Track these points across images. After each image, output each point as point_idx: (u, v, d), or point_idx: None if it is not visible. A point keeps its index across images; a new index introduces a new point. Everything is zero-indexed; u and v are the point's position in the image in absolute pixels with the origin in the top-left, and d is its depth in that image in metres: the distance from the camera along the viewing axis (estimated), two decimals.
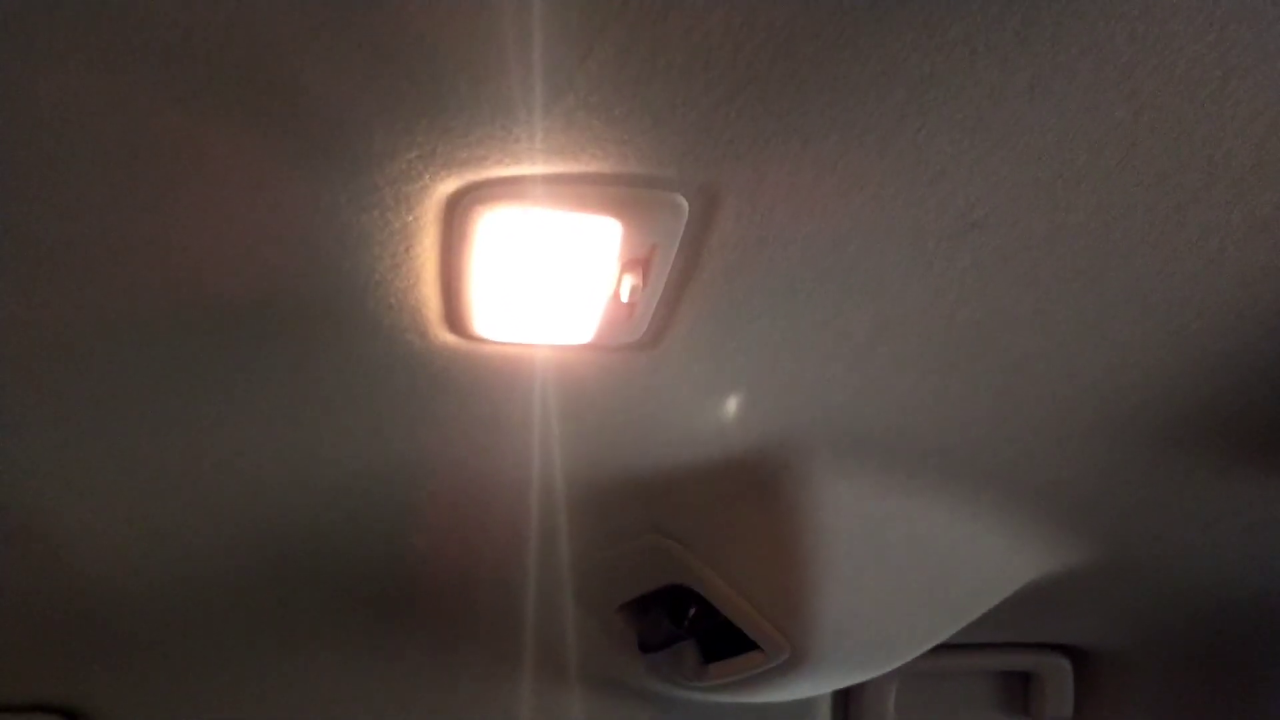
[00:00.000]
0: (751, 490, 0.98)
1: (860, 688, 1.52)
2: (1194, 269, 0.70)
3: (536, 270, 0.65)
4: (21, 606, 1.14)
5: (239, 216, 0.61)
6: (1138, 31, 0.50)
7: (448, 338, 0.73)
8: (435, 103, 0.52)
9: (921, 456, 0.96)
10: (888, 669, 1.21)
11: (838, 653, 1.07)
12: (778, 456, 0.95)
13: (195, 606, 1.20)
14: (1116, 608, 1.37)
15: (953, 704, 1.58)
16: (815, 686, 1.19)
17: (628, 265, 0.65)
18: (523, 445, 0.89)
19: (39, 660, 1.23)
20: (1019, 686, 1.59)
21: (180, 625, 1.23)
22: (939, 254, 0.67)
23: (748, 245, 0.65)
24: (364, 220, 0.61)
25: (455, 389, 0.80)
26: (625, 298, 0.67)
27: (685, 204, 0.61)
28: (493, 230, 0.61)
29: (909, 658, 1.20)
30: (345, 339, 0.73)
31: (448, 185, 0.58)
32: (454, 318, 0.71)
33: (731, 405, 0.86)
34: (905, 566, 1.07)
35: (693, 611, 1.15)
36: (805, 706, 1.51)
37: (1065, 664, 1.53)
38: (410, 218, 0.61)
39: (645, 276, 0.66)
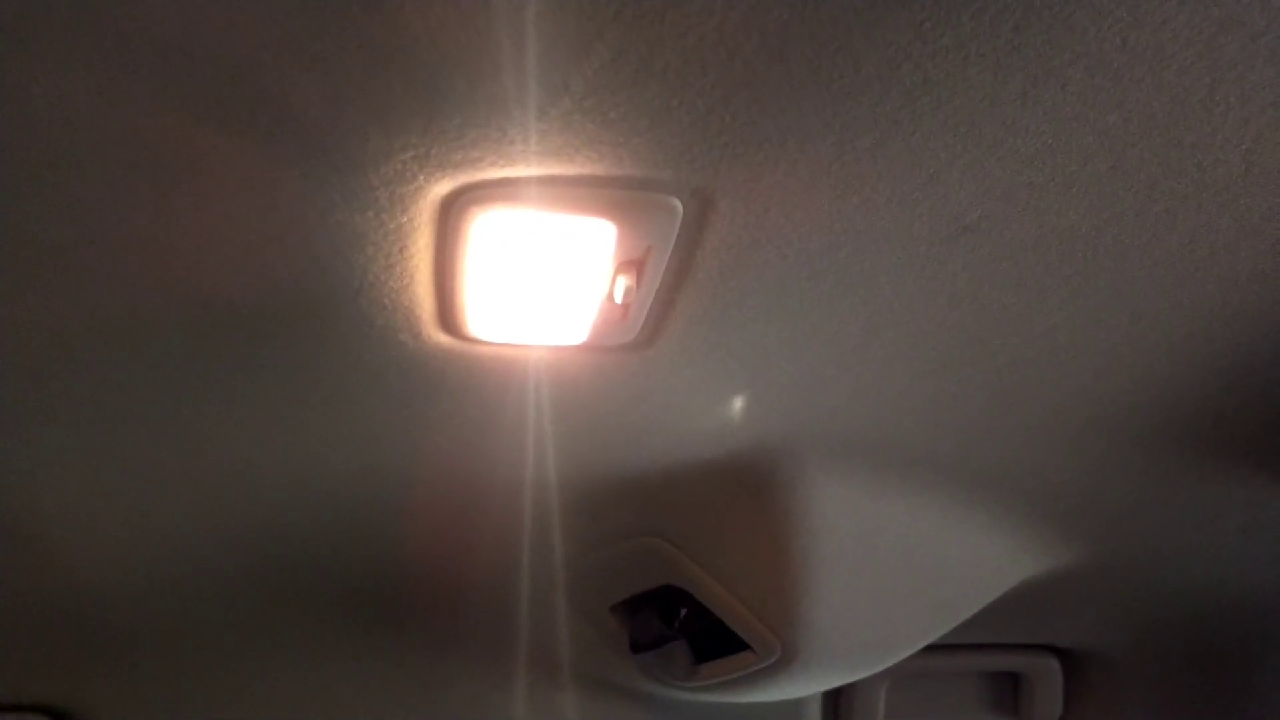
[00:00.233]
0: (743, 491, 0.99)
1: (850, 688, 1.52)
2: (1184, 273, 0.70)
3: (531, 271, 0.65)
4: (13, 606, 1.13)
5: (233, 217, 0.61)
6: (1128, 40, 0.51)
7: (442, 338, 0.73)
8: (430, 104, 0.52)
9: (913, 458, 0.97)
10: (878, 669, 1.22)
11: (828, 653, 1.08)
12: (770, 458, 0.95)
13: (188, 607, 1.19)
14: (1106, 609, 1.38)
15: (943, 704, 1.58)
16: (806, 687, 1.19)
17: (622, 267, 0.66)
18: (516, 446, 0.89)
19: (31, 660, 1.23)
20: (1009, 687, 1.59)
21: (173, 626, 1.23)
22: (931, 257, 0.67)
23: (742, 247, 0.65)
24: (358, 221, 0.61)
25: (449, 390, 0.80)
26: (619, 299, 0.67)
27: (680, 206, 0.61)
28: (487, 231, 0.61)
29: (899, 658, 1.20)
30: (339, 339, 0.73)
31: (442, 186, 0.58)
32: (448, 318, 0.71)
33: (725, 406, 0.86)
34: (896, 567, 1.07)
35: (684, 612, 1.15)
36: (796, 707, 1.51)
37: (1055, 665, 1.54)
38: (404, 219, 0.61)
39: (639, 278, 0.66)
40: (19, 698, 1.24)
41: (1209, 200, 0.63)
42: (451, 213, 0.60)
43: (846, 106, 0.54)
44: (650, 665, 1.22)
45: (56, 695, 1.25)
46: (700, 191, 0.60)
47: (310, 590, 1.21)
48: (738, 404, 0.86)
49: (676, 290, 0.69)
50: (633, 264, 0.65)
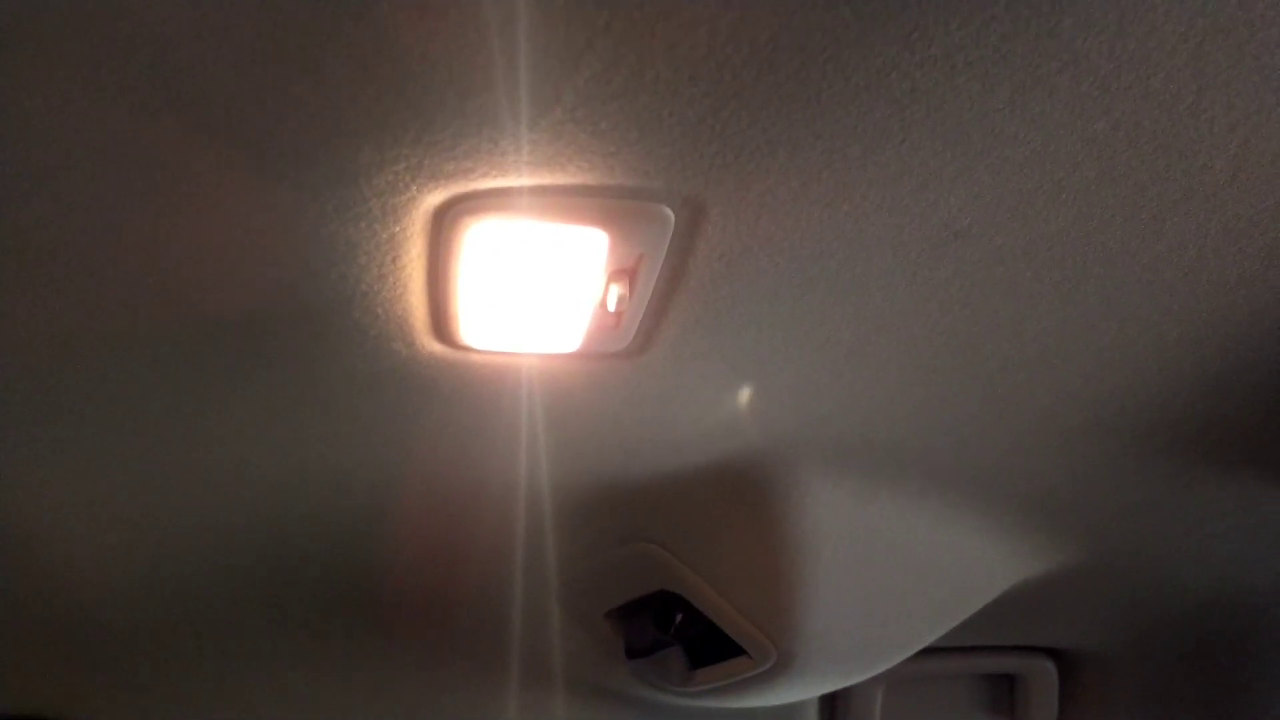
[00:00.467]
0: (737, 496, 0.99)
1: (846, 692, 1.52)
2: (1172, 278, 0.71)
3: (524, 280, 0.66)
4: (8, 612, 1.13)
5: (226, 227, 0.61)
6: (1115, 48, 0.51)
7: (435, 347, 0.73)
8: (422, 115, 0.52)
9: (906, 462, 0.97)
10: (874, 673, 1.22)
11: (824, 657, 1.08)
12: (763, 463, 0.95)
13: (183, 614, 1.19)
14: (1100, 610, 1.38)
15: (938, 707, 1.58)
16: (802, 691, 1.20)
17: (614, 275, 0.66)
18: (510, 453, 0.89)
19: (23, 667, 1.22)
20: (1004, 689, 1.60)
21: (168, 633, 1.22)
22: (922, 263, 0.68)
23: (733, 255, 0.65)
24: (351, 231, 0.61)
25: (443, 398, 0.80)
26: (612, 307, 0.67)
27: (671, 215, 0.61)
28: (480, 241, 0.62)
29: (895, 662, 1.20)
30: (332, 348, 0.73)
31: (435, 197, 0.59)
32: (441, 327, 0.71)
33: (718, 413, 0.86)
34: (890, 571, 1.07)
35: (679, 617, 1.15)
36: (792, 711, 1.51)
37: (1050, 666, 1.54)
38: (397, 229, 0.61)
39: (632, 286, 0.67)
40: (15, 706, 1.23)
41: (1197, 206, 0.64)
42: (444, 223, 0.60)
43: (836, 115, 0.54)
44: (645, 671, 1.22)
45: (52, 703, 1.24)
46: (692, 200, 0.60)
47: (305, 597, 1.21)
48: (731, 410, 0.86)
49: (669, 298, 0.69)
50: (625, 272, 0.66)
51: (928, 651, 1.26)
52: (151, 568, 1.08)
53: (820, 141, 0.56)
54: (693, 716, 1.43)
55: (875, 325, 0.74)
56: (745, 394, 0.84)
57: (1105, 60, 0.52)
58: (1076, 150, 0.58)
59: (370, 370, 0.75)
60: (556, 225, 0.61)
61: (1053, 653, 1.54)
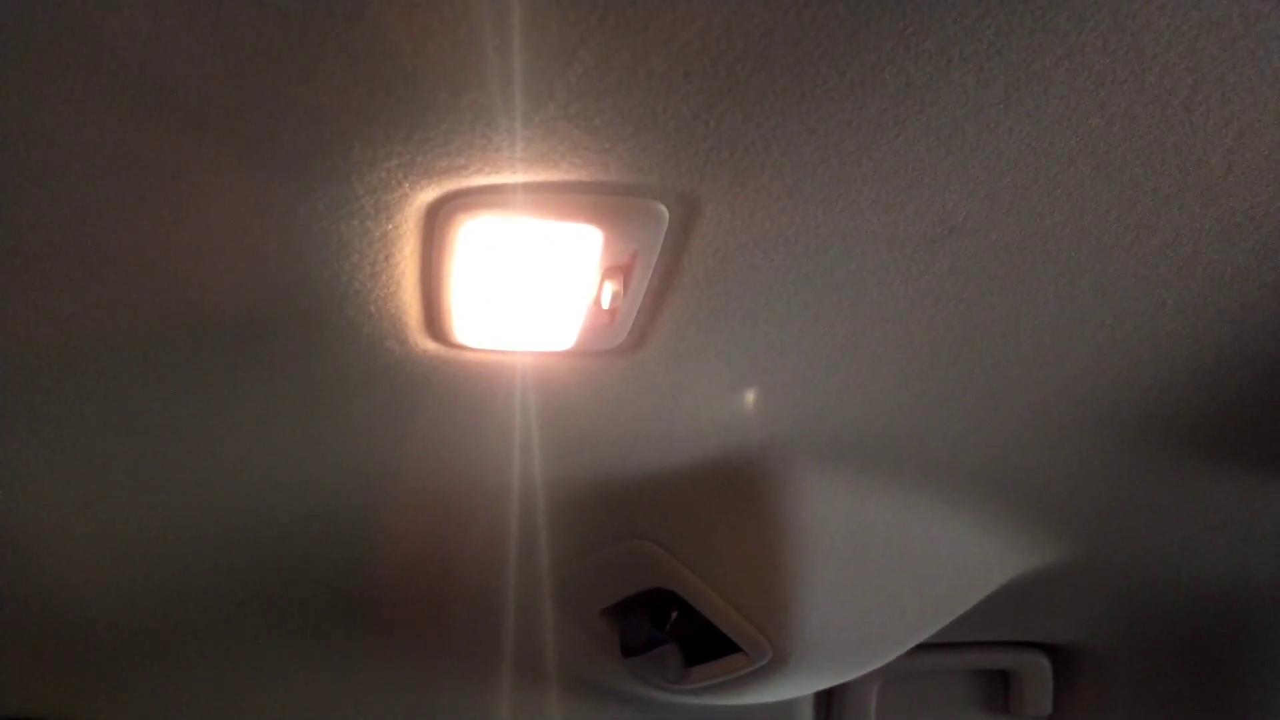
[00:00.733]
0: (732, 493, 0.99)
1: (842, 688, 1.53)
2: (1167, 272, 0.71)
3: (517, 278, 0.65)
4: (5, 613, 1.12)
5: (219, 225, 0.60)
6: (1110, 43, 0.51)
7: (428, 345, 0.73)
8: (414, 112, 0.52)
9: (901, 458, 0.97)
10: (869, 669, 1.22)
11: (819, 654, 1.08)
12: (758, 460, 0.95)
13: (179, 614, 1.19)
14: (1095, 605, 1.38)
15: (934, 703, 1.59)
16: (797, 688, 1.20)
17: (609, 272, 0.66)
18: (504, 451, 0.89)
19: (23, 668, 1.22)
20: (999, 685, 1.60)
21: (163, 634, 1.22)
22: (916, 259, 0.68)
23: (728, 251, 0.65)
24: (343, 229, 0.61)
25: (436, 396, 0.79)
26: (606, 304, 0.67)
27: (665, 211, 0.61)
28: (473, 238, 0.61)
29: (890, 658, 1.21)
30: (325, 347, 0.73)
31: (428, 194, 0.58)
32: (434, 325, 0.70)
33: (712, 409, 0.86)
34: (886, 567, 1.08)
35: (674, 615, 1.15)
36: (788, 708, 1.51)
37: (1044, 662, 1.55)
38: (390, 226, 0.61)
39: (626, 283, 0.66)
40: (13, 707, 1.23)
41: (1192, 200, 0.64)
42: (437, 220, 0.60)
43: (830, 111, 0.54)
44: (641, 669, 1.22)
45: (52, 704, 1.24)
46: (686, 196, 0.60)
47: (299, 596, 1.21)
48: (726, 407, 0.86)
49: (663, 295, 0.69)
50: (619, 269, 0.65)
51: (923, 647, 1.26)
52: (149, 568, 1.08)
53: (815, 137, 0.56)
54: (688, 714, 1.43)
55: (870, 321, 0.74)
56: (740, 390, 0.84)
57: (1100, 55, 0.52)
58: (1071, 145, 0.58)
59: (364, 368, 0.75)
60: (550, 222, 0.61)
61: (1048, 648, 1.55)
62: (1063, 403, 0.88)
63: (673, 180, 0.58)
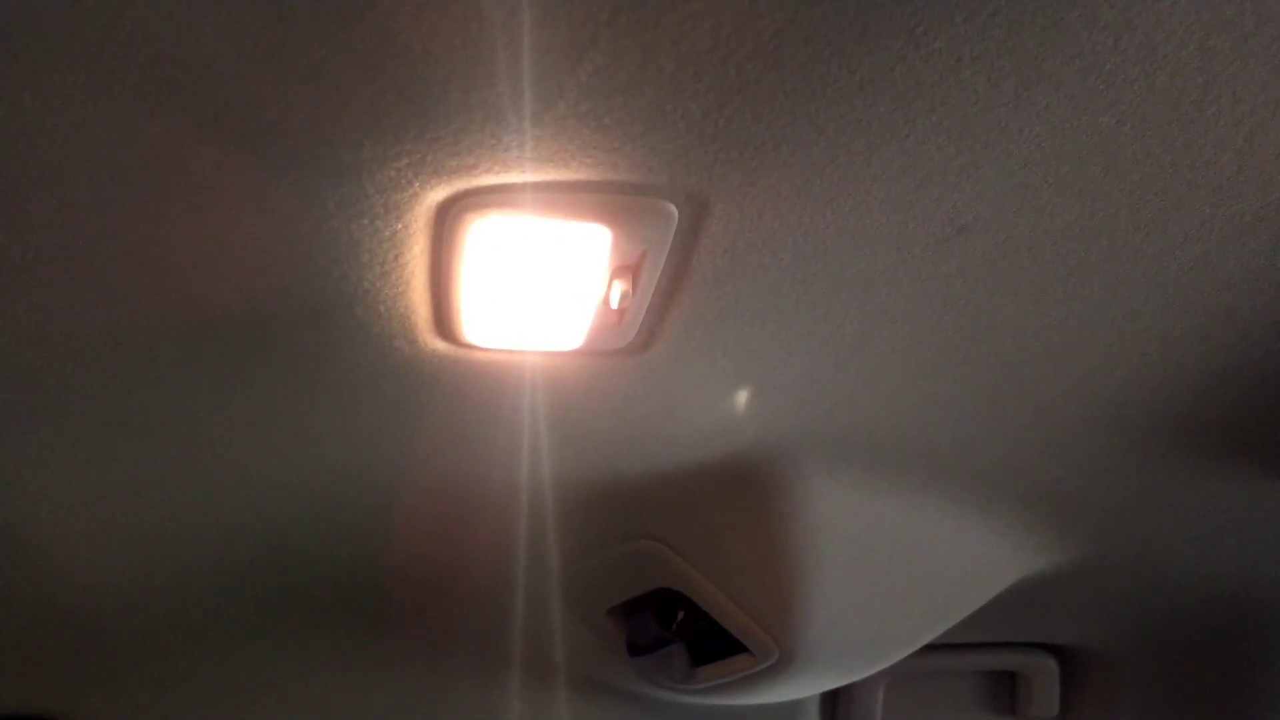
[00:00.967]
0: (739, 493, 0.99)
1: (848, 689, 1.52)
2: (1177, 273, 0.71)
3: (526, 277, 0.65)
4: (8, 613, 1.13)
5: (228, 224, 0.61)
6: (1121, 42, 0.51)
7: (437, 344, 0.73)
8: (424, 112, 0.52)
9: (909, 458, 0.97)
10: (875, 670, 1.22)
11: (826, 654, 1.08)
12: (766, 460, 0.95)
13: (184, 613, 1.19)
14: (1102, 607, 1.38)
15: (940, 704, 1.58)
16: (803, 688, 1.20)
17: (617, 271, 0.66)
18: (512, 451, 0.89)
19: (23, 667, 1.22)
20: (1006, 686, 1.60)
21: (168, 633, 1.22)
22: (926, 258, 0.68)
23: (737, 251, 0.65)
24: (353, 228, 0.61)
25: (445, 395, 0.80)
26: (615, 304, 0.67)
27: (675, 211, 0.61)
28: (482, 237, 0.61)
29: (897, 658, 1.21)
30: (334, 346, 0.73)
31: (437, 193, 0.58)
32: (443, 324, 0.71)
33: (721, 409, 0.86)
34: (893, 567, 1.07)
35: (681, 615, 1.15)
36: (794, 708, 1.51)
37: (1052, 663, 1.54)
38: (399, 225, 0.61)
39: (635, 282, 0.66)
40: (14, 706, 1.23)
41: (1203, 200, 0.64)
42: (447, 219, 0.60)
43: (840, 110, 0.54)
44: (648, 668, 1.22)
45: (52, 703, 1.24)
46: (695, 196, 0.60)
47: (307, 595, 1.21)
48: (734, 407, 0.86)
49: (672, 294, 0.69)
50: (628, 269, 0.65)
51: (930, 648, 1.26)
52: (154, 567, 1.08)
53: (824, 137, 0.56)
54: (695, 714, 1.43)
55: (879, 321, 0.74)
56: (748, 391, 0.84)
57: (1111, 54, 0.52)
58: (1082, 145, 0.58)
59: (373, 368, 0.75)
60: (559, 221, 0.61)
61: (1055, 649, 1.54)
62: (1072, 403, 0.88)
63: (682, 180, 0.58)
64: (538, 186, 0.58)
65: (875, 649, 1.16)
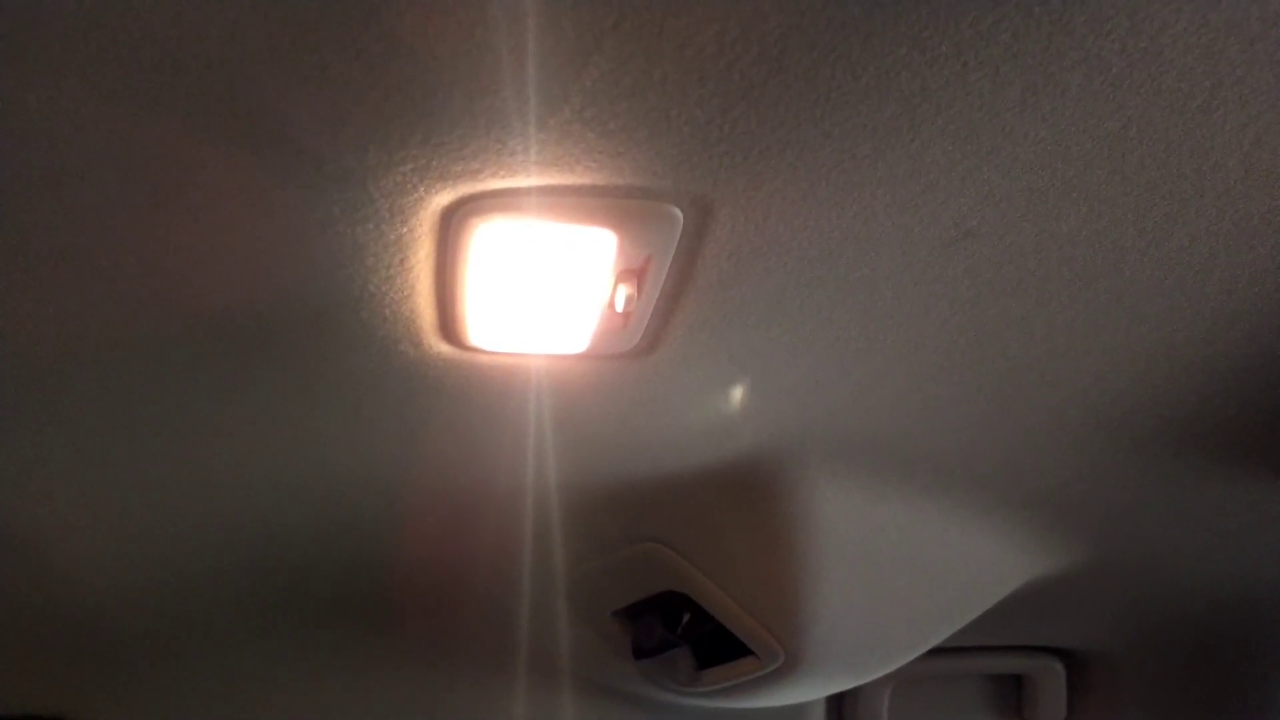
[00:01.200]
0: (745, 497, 0.99)
1: (854, 692, 1.52)
2: (1183, 276, 0.71)
3: (531, 281, 0.65)
4: (9, 614, 1.13)
5: (233, 228, 0.61)
6: (1127, 45, 0.51)
7: (442, 348, 0.73)
8: (429, 116, 0.52)
9: (914, 462, 0.97)
10: (881, 673, 1.22)
11: (831, 658, 1.08)
12: (771, 463, 0.95)
13: (187, 615, 1.19)
14: (1108, 610, 1.38)
15: (946, 707, 1.58)
16: (809, 691, 1.19)
17: (622, 275, 0.66)
18: (517, 454, 0.89)
19: (27, 668, 1.23)
20: (1012, 689, 1.59)
21: (172, 634, 1.23)
22: (931, 262, 0.68)
23: (741, 255, 0.65)
24: (358, 232, 0.61)
25: (450, 399, 0.80)
26: (620, 307, 0.67)
27: (680, 215, 0.61)
28: (488, 241, 0.61)
29: (902, 662, 1.20)
30: (340, 349, 0.73)
31: (442, 197, 0.58)
32: (449, 328, 0.71)
33: (725, 413, 0.86)
34: (897, 571, 1.07)
35: (687, 618, 1.15)
36: (799, 711, 1.51)
37: (1058, 666, 1.54)
38: (405, 229, 0.61)
39: (640, 286, 0.66)
40: (18, 706, 1.23)
41: (1208, 204, 0.63)
42: (452, 223, 0.60)
43: (845, 115, 0.54)
44: (653, 671, 1.22)
45: (52, 703, 1.25)
46: (700, 200, 0.60)
47: (311, 597, 1.21)
48: (738, 410, 0.86)
49: (677, 298, 0.69)
50: (633, 273, 0.65)
51: (936, 652, 1.26)
52: (157, 569, 1.08)
53: (829, 141, 0.56)
54: (700, 716, 1.42)
55: (884, 324, 0.74)
56: (753, 394, 0.84)
57: (1117, 58, 0.52)
58: (1087, 149, 0.58)
59: (378, 371, 0.75)
60: (564, 226, 0.61)
61: (1061, 653, 1.54)
62: (1076, 406, 0.87)
63: (687, 184, 0.58)
64: (543, 191, 0.58)
65: (881, 652, 1.16)
